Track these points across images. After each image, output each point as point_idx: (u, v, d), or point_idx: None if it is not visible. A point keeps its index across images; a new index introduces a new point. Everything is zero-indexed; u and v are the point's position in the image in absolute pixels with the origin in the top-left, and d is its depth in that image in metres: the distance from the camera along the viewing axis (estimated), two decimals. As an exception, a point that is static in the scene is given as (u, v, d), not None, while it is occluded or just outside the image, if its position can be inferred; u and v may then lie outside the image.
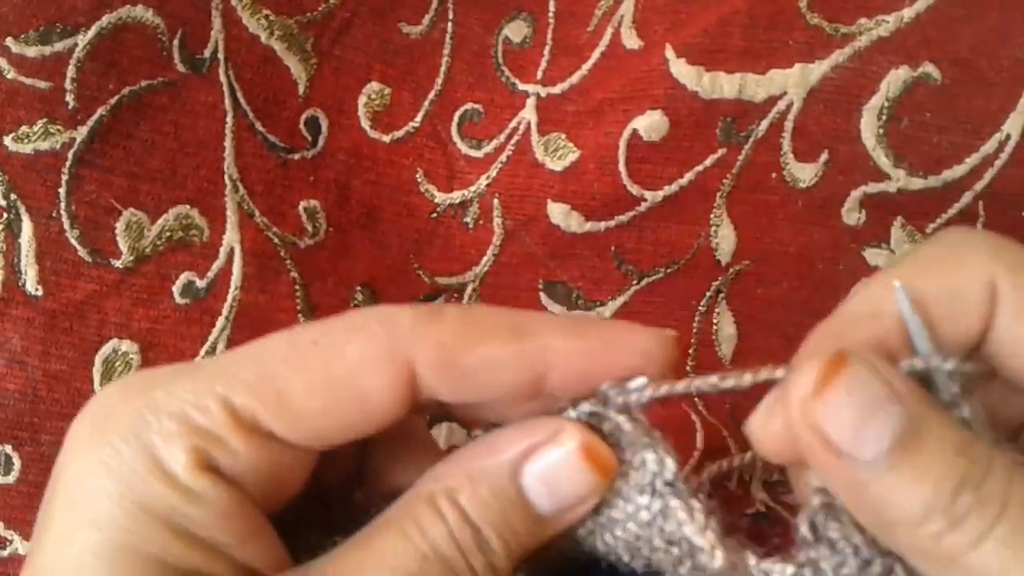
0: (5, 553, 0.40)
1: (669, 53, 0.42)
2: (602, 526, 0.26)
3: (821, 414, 0.23)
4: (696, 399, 0.44)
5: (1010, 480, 0.22)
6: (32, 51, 0.37)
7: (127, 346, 0.40)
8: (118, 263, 0.39)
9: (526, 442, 0.25)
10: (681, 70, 0.42)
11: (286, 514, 0.26)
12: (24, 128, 0.38)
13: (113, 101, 0.39)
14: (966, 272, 0.25)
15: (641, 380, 0.25)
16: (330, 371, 0.24)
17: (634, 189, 0.43)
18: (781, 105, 0.42)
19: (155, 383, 0.25)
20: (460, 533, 0.24)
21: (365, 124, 0.44)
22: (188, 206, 0.41)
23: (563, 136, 0.44)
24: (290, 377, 0.24)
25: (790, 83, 0.41)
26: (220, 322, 0.41)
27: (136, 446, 0.23)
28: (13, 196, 0.38)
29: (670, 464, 0.25)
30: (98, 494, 0.23)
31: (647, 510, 0.25)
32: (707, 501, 0.25)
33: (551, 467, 0.25)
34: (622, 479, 0.25)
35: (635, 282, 0.44)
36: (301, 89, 0.43)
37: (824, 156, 0.42)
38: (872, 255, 0.43)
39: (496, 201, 0.44)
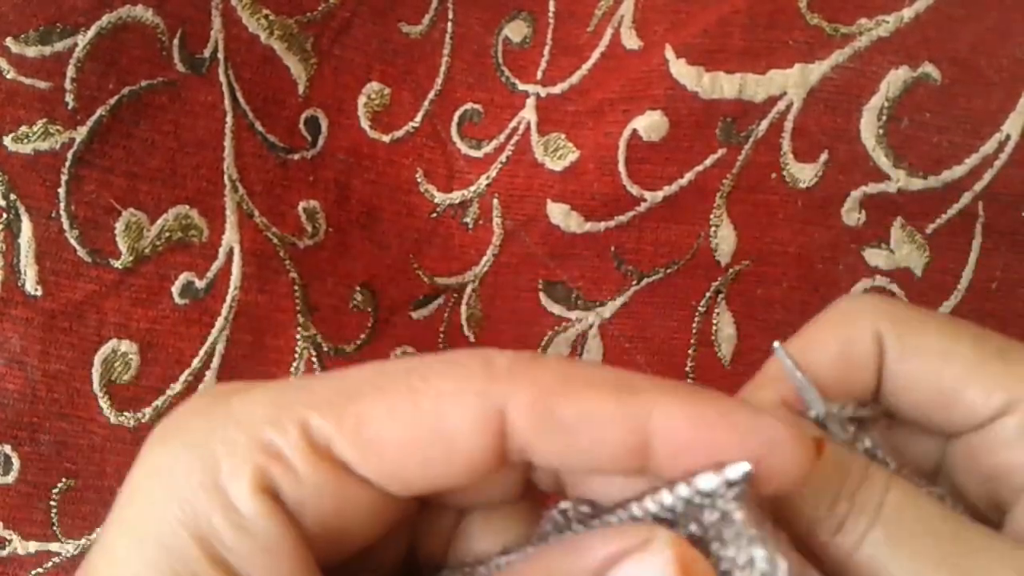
0: (4, 553, 0.40)
1: (669, 53, 0.42)
2: None
3: None
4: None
5: (885, 489, 0.24)
6: (32, 51, 0.37)
7: (126, 346, 0.40)
8: (117, 263, 0.39)
9: (613, 547, 0.22)
10: (681, 70, 0.42)
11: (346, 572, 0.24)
12: (24, 128, 0.38)
13: (113, 101, 0.39)
14: (855, 329, 0.28)
15: (745, 465, 0.21)
16: (415, 399, 0.22)
17: (634, 189, 0.43)
18: (781, 105, 0.42)
19: (239, 392, 0.23)
20: None
21: (365, 124, 0.44)
22: (187, 206, 0.41)
23: (563, 136, 0.43)
24: (373, 401, 0.22)
25: (790, 83, 0.41)
26: (219, 322, 0.41)
27: (196, 454, 0.22)
28: (12, 196, 0.38)
29: (782, 566, 0.21)
30: (147, 501, 0.22)
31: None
32: None
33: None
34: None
35: (635, 282, 0.44)
36: (301, 89, 0.43)
37: (824, 156, 0.42)
38: (872, 255, 0.43)
39: (496, 201, 0.44)
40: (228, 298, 0.41)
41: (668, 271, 0.44)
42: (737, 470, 0.21)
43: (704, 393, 0.22)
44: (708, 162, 0.43)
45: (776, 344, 0.26)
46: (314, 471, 0.22)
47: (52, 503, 0.40)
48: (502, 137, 0.44)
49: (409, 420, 0.22)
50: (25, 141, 0.38)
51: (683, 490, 0.22)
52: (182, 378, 0.41)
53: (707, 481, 0.21)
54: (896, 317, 0.28)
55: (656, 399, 0.22)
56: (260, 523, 0.21)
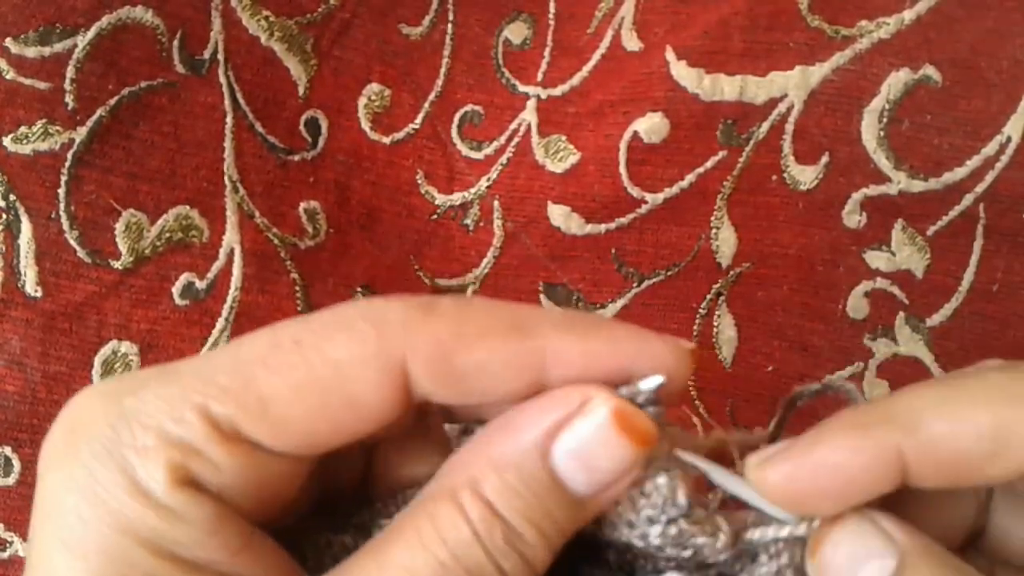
0: (5, 555, 0.40)
1: (669, 55, 0.42)
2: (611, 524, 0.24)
3: (826, 559, 0.23)
4: (697, 401, 0.44)
5: None
6: (31, 51, 0.37)
7: (126, 347, 0.40)
8: (117, 264, 0.39)
9: (552, 416, 0.23)
10: (681, 72, 0.42)
11: (295, 518, 0.25)
12: (23, 129, 0.37)
13: (112, 102, 0.39)
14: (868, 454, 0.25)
15: (657, 378, 0.23)
16: (314, 374, 0.22)
17: (634, 191, 0.43)
18: (782, 107, 0.42)
19: (129, 390, 0.23)
20: (487, 531, 0.22)
21: (365, 125, 0.44)
22: (188, 207, 0.41)
23: (563, 138, 0.43)
24: (272, 381, 0.22)
25: (791, 85, 0.41)
26: (220, 323, 0.41)
27: (109, 464, 0.22)
28: (12, 197, 0.38)
29: (682, 498, 0.23)
30: (75, 519, 0.22)
31: (661, 536, 0.23)
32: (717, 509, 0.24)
33: (584, 441, 0.22)
34: (628, 505, 0.23)
35: (635, 284, 0.44)
36: (301, 90, 0.43)
37: (825, 158, 0.42)
38: (873, 257, 0.43)
39: (496, 203, 0.44)
40: (229, 299, 0.41)
41: (669, 273, 0.44)
42: (649, 383, 0.23)
43: (595, 325, 0.24)
44: (709, 164, 0.43)
45: (677, 452, 0.24)
46: (228, 456, 0.22)
47: (52, 504, 0.40)
48: (503, 139, 0.44)
49: (310, 393, 0.22)
50: (25, 142, 0.37)
51: None
52: (182, 379, 0.41)
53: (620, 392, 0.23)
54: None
55: (548, 336, 0.23)
56: (194, 512, 0.22)
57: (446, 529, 0.22)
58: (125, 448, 0.22)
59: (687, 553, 0.24)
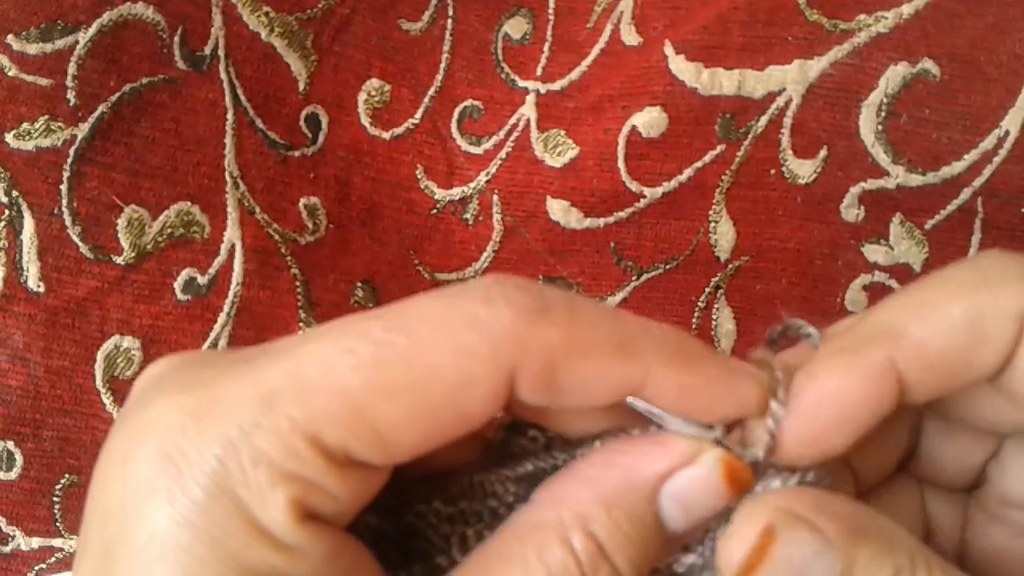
0: (7, 549, 0.40)
1: (668, 50, 0.42)
2: None
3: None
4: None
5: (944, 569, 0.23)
6: (33, 48, 0.37)
7: (129, 342, 0.40)
8: (119, 260, 0.40)
9: (667, 462, 0.23)
10: (680, 66, 0.42)
11: None
12: (25, 125, 0.38)
13: (114, 98, 0.39)
14: (993, 300, 0.24)
15: (765, 450, 0.24)
16: (427, 395, 0.21)
17: (633, 185, 0.43)
18: (780, 101, 0.42)
19: (220, 410, 0.21)
20: (593, 571, 0.22)
21: (365, 121, 0.44)
22: (189, 203, 0.41)
23: (562, 133, 0.44)
24: (385, 407, 0.21)
25: (789, 79, 0.41)
26: (222, 318, 0.41)
27: (224, 502, 0.20)
28: (15, 193, 0.38)
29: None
30: (191, 559, 0.20)
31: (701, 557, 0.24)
32: None
33: (692, 487, 0.23)
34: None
35: (634, 278, 0.44)
36: (301, 86, 0.43)
37: (823, 152, 0.42)
38: (871, 251, 0.43)
39: (496, 197, 0.44)
40: (230, 294, 0.41)
41: (668, 267, 0.44)
42: (758, 452, 0.23)
43: (696, 354, 0.23)
44: (707, 158, 0.43)
45: (629, 399, 0.23)
46: (344, 485, 0.21)
47: (55, 499, 0.40)
48: (502, 134, 0.44)
49: (424, 414, 0.21)
50: (27, 138, 0.38)
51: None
52: (184, 374, 0.41)
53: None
54: None
55: (652, 362, 0.23)
56: (315, 546, 0.21)
57: (555, 565, 0.22)
58: (238, 486, 0.21)
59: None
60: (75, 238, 0.39)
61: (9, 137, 0.37)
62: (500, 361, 0.21)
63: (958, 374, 0.24)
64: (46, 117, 0.38)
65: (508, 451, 0.26)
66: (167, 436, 0.21)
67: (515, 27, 0.45)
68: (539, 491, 0.24)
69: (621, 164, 0.42)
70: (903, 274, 0.43)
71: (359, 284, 0.44)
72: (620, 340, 0.23)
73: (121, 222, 0.40)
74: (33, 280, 0.39)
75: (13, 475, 0.39)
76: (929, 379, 0.24)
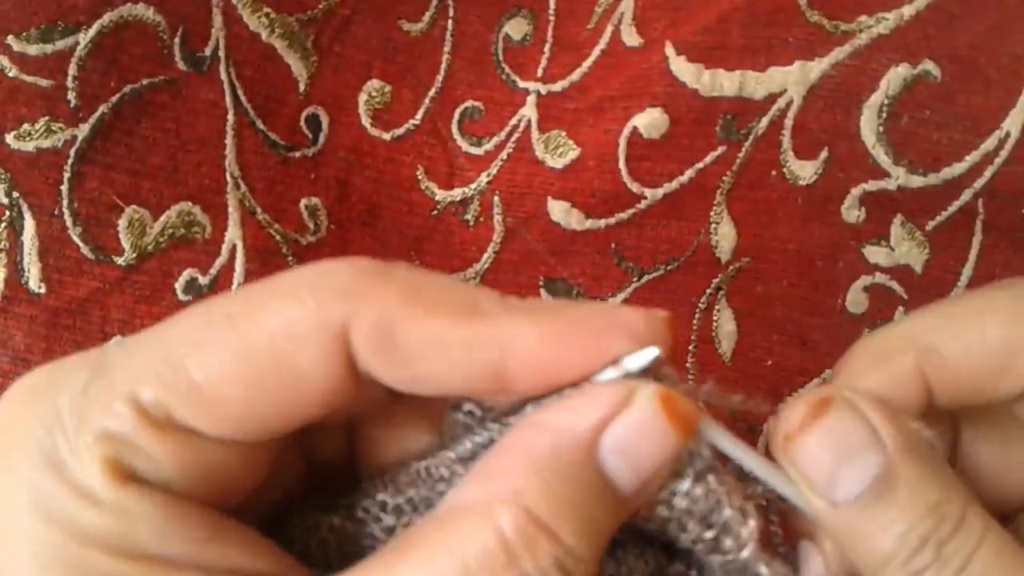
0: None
1: (669, 50, 0.42)
2: None
3: (801, 452, 0.24)
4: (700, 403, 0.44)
5: (977, 543, 0.23)
6: (33, 49, 0.37)
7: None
8: (120, 260, 0.40)
9: (600, 411, 0.21)
10: (681, 67, 0.42)
11: (286, 499, 0.24)
12: (26, 126, 0.38)
13: (115, 99, 0.39)
14: (893, 373, 0.25)
15: (652, 350, 0.21)
16: (248, 349, 0.20)
17: (634, 187, 0.43)
18: (781, 102, 0.42)
19: (61, 385, 0.21)
20: (532, 551, 0.19)
21: (366, 121, 0.44)
22: (190, 203, 0.41)
23: (563, 134, 0.44)
24: (202, 360, 0.20)
25: (790, 81, 0.41)
26: (222, 319, 0.41)
27: (47, 471, 0.20)
28: (15, 194, 0.38)
29: (706, 450, 0.22)
30: (24, 531, 0.20)
31: (686, 496, 0.22)
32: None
33: (632, 433, 0.21)
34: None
35: (635, 279, 0.44)
36: (302, 87, 0.43)
37: (824, 153, 0.42)
38: (872, 252, 0.43)
39: (496, 198, 0.44)
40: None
41: (668, 268, 0.44)
42: (642, 358, 0.21)
43: (556, 306, 0.22)
44: (708, 159, 0.43)
45: (700, 424, 0.22)
46: (161, 446, 0.20)
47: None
48: (503, 134, 0.44)
49: (246, 370, 0.20)
50: (27, 139, 0.38)
51: (609, 372, 0.22)
52: (185, 375, 0.41)
53: (607, 375, 0.21)
54: (922, 343, 0.25)
55: (504, 320, 0.21)
56: (140, 508, 0.20)
57: (471, 554, 0.19)
58: (60, 451, 0.20)
59: (710, 534, 0.22)
60: (76, 239, 0.39)
61: (10, 138, 0.37)
62: (329, 319, 0.20)
63: (982, 393, 0.25)
64: (47, 118, 0.38)
65: (452, 432, 0.24)
66: (6, 414, 0.22)
67: (516, 28, 0.45)
68: (470, 469, 0.22)
69: (622, 165, 0.42)
70: (904, 275, 0.43)
71: (360, 285, 0.44)
72: (465, 300, 0.21)
73: (122, 223, 0.40)
74: (34, 281, 0.39)
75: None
76: (954, 393, 0.25)
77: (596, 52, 0.43)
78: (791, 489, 0.24)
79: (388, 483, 0.24)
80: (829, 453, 0.23)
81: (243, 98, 0.41)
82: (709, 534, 0.23)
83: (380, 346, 0.20)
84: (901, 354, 0.25)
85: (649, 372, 0.22)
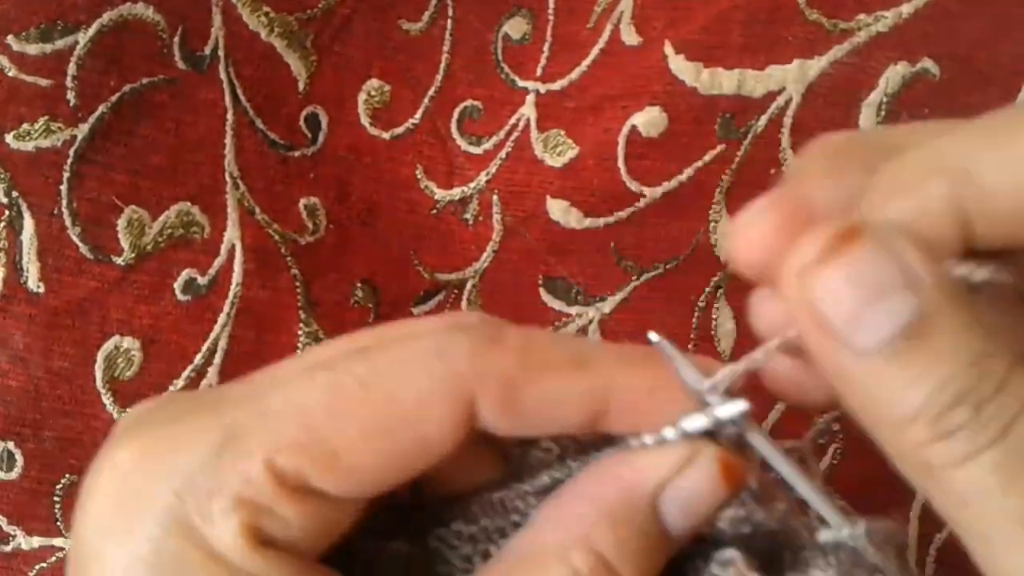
0: (8, 548, 0.40)
1: (668, 49, 0.42)
2: None
3: (820, 287, 0.20)
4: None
5: (1022, 407, 0.19)
6: (33, 49, 0.37)
7: (129, 343, 0.40)
8: (119, 260, 0.40)
9: (664, 468, 0.23)
10: (680, 66, 0.42)
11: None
12: (25, 126, 0.38)
13: (114, 99, 0.39)
14: (924, 202, 0.21)
15: (740, 404, 0.23)
16: (384, 420, 0.22)
17: (633, 185, 0.43)
18: (780, 101, 0.42)
19: (179, 446, 0.22)
20: None
21: (365, 121, 0.44)
22: (189, 203, 0.41)
23: (562, 133, 0.44)
24: (341, 431, 0.21)
25: (789, 79, 0.41)
26: (222, 318, 0.41)
27: (179, 535, 0.21)
28: (15, 193, 0.38)
29: (753, 483, 0.24)
30: None
31: (730, 522, 0.24)
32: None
33: (689, 491, 0.23)
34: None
35: (634, 278, 0.44)
36: (301, 86, 0.43)
37: (823, 152, 0.42)
38: (871, 250, 0.43)
39: (495, 197, 0.44)
40: (230, 294, 0.41)
41: (668, 267, 0.44)
42: (734, 408, 0.23)
43: (651, 359, 0.24)
44: (707, 158, 0.43)
45: (654, 338, 0.24)
46: (298, 511, 0.22)
47: (56, 499, 0.40)
48: (502, 134, 0.44)
49: (381, 441, 0.22)
50: (27, 138, 0.38)
51: (694, 422, 0.24)
52: (184, 374, 0.41)
53: (697, 420, 0.24)
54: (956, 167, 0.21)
55: (610, 369, 0.23)
56: (271, 571, 0.21)
57: None
58: (193, 517, 0.21)
59: (746, 529, 0.24)
60: (75, 238, 0.39)
61: (9, 137, 0.37)
62: (457, 386, 0.22)
63: None
64: (46, 117, 0.38)
65: (526, 464, 0.26)
66: (120, 478, 0.22)
67: (515, 27, 0.45)
68: (538, 511, 0.24)
69: (621, 164, 0.43)
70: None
71: (359, 284, 0.44)
72: (574, 355, 0.23)
73: (121, 222, 0.40)
74: (33, 280, 0.39)
75: (13, 475, 0.39)
76: (1001, 232, 0.21)
77: (595, 51, 0.43)
78: (824, 506, 0.24)
79: (460, 512, 0.25)
80: (854, 291, 0.20)
81: (242, 97, 0.41)
82: (745, 529, 0.24)
83: (505, 406, 0.22)
84: (931, 180, 0.20)
85: (737, 423, 0.24)
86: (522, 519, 0.25)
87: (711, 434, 0.24)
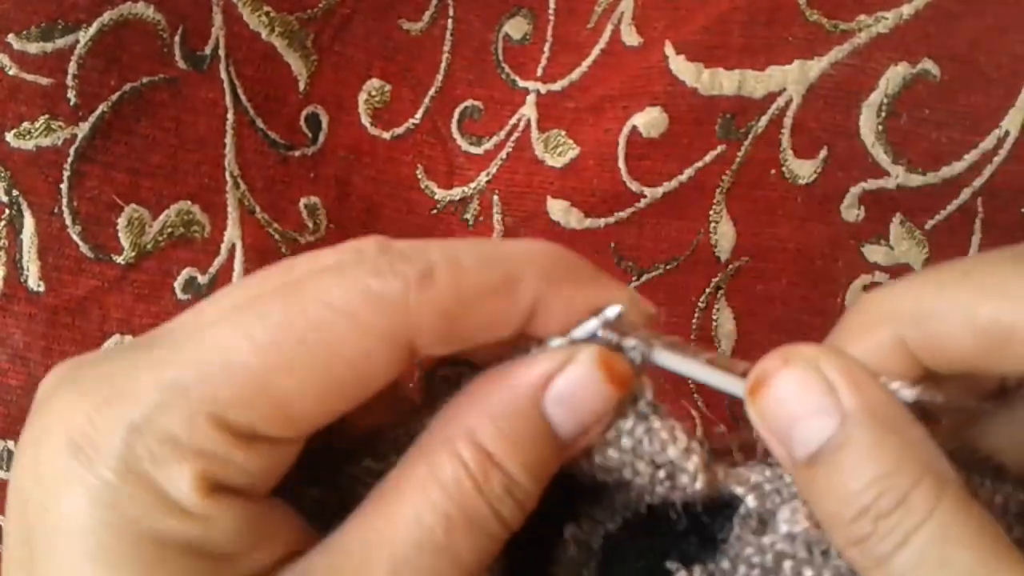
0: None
1: (668, 50, 0.42)
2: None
3: (760, 406, 0.24)
4: (696, 395, 0.44)
5: (919, 522, 0.22)
6: (34, 47, 0.37)
7: (129, 341, 0.40)
8: (120, 259, 0.40)
9: (544, 368, 0.24)
10: (680, 67, 0.42)
11: None
12: (26, 124, 0.38)
13: (114, 97, 0.39)
14: (875, 344, 0.25)
15: (616, 308, 0.25)
16: (330, 373, 0.22)
17: (633, 186, 0.43)
18: (780, 101, 0.42)
19: (126, 399, 0.22)
20: (487, 479, 0.23)
21: (365, 121, 0.44)
22: (189, 202, 0.41)
23: (563, 133, 0.44)
24: (286, 387, 0.22)
25: (789, 80, 0.41)
26: (221, 318, 0.41)
27: (134, 481, 0.21)
28: (15, 192, 0.38)
29: (649, 386, 0.25)
30: (106, 534, 0.21)
31: (629, 435, 0.25)
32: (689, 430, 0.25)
33: (571, 388, 0.24)
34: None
35: (635, 278, 0.44)
36: (301, 86, 0.43)
37: (823, 152, 0.42)
38: (871, 251, 0.43)
39: (496, 198, 0.45)
40: (230, 294, 0.41)
41: (668, 267, 0.44)
42: (612, 311, 0.25)
43: (574, 270, 0.25)
44: (708, 158, 0.43)
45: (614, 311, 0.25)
46: (249, 457, 0.22)
47: (55, 498, 0.40)
48: (502, 134, 0.44)
49: (326, 390, 0.22)
50: (27, 137, 0.38)
51: (579, 332, 0.25)
52: (184, 374, 0.41)
53: (588, 325, 0.25)
54: (905, 313, 0.25)
55: (539, 286, 0.24)
56: (227, 515, 0.22)
57: (448, 480, 0.23)
58: (146, 464, 0.21)
59: (662, 473, 0.25)
60: (75, 237, 0.39)
61: (9, 136, 0.37)
62: (396, 331, 0.23)
63: (975, 368, 0.24)
64: (46, 116, 0.38)
65: (429, 397, 0.27)
66: (73, 426, 0.22)
67: (515, 27, 0.45)
68: (432, 419, 0.24)
69: (621, 164, 0.43)
70: (903, 274, 0.43)
71: (359, 284, 0.44)
72: (503, 276, 0.24)
73: (121, 221, 0.40)
74: (33, 279, 0.39)
75: (13, 474, 0.39)
76: (945, 366, 0.24)
77: (596, 51, 0.43)
78: (721, 380, 0.26)
79: (368, 450, 0.26)
80: (786, 409, 0.24)
81: (243, 97, 0.41)
82: (661, 473, 0.25)
83: (443, 340, 0.23)
84: (881, 326, 0.24)
85: (620, 327, 0.25)
86: None
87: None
